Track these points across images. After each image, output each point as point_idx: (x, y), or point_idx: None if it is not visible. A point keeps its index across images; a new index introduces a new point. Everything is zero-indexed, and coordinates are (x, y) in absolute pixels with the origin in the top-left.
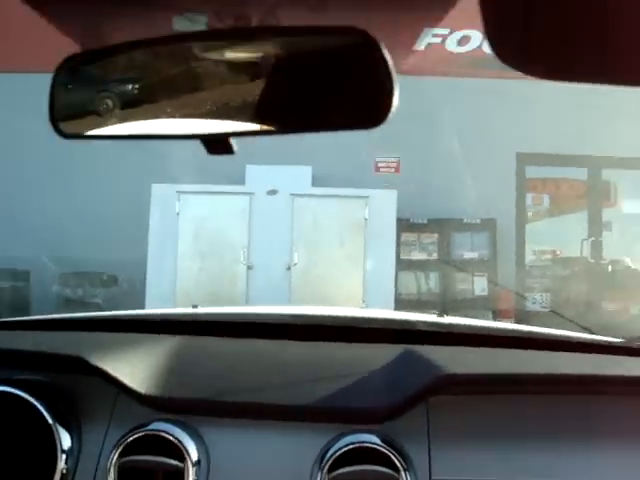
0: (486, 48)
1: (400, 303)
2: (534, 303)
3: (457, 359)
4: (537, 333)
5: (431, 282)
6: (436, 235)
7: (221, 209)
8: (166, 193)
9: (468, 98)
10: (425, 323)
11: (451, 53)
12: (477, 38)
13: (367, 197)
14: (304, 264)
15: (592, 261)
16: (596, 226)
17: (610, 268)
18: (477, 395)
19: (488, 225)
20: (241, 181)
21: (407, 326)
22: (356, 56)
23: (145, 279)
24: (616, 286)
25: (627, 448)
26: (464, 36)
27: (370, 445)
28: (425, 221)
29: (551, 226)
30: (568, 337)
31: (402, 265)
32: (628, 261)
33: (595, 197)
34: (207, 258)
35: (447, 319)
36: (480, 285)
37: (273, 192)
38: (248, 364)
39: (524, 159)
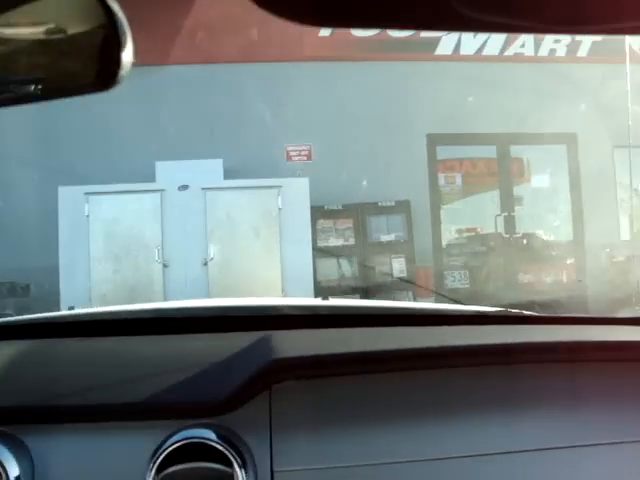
0: (390, 31)
1: (321, 290)
2: (453, 281)
3: (306, 342)
4: (425, 309)
5: (350, 267)
6: (351, 220)
7: (132, 208)
8: (74, 195)
9: (376, 82)
10: (293, 307)
11: (356, 38)
12: None
13: (279, 187)
14: (221, 258)
15: (506, 236)
16: (508, 201)
17: (523, 241)
18: (325, 379)
19: (403, 207)
20: (152, 178)
21: (272, 312)
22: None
23: (59, 285)
24: (530, 258)
25: (491, 419)
26: None
27: (202, 441)
28: (340, 207)
29: (467, 204)
30: (458, 311)
31: (320, 252)
32: (540, 233)
33: (505, 173)
34: (121, 259)
35: (331, 302)
36: (398, 267)
37: (184, 187)
38: (86, 364)
39: (434, 139)
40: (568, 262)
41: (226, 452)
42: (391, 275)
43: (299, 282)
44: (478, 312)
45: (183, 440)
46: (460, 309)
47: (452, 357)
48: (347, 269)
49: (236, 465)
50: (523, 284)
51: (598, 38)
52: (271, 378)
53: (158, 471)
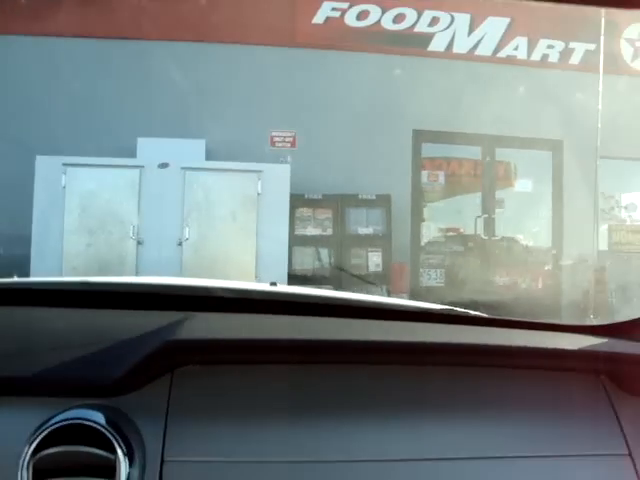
0: (385, 23)
1: (294, 279)
2: (428, 279)
3: (222, 325)
4: (365, 302)
5: (326, 257)
6: (331, 211)
7: (110, 183)
8: (51, 165)
9: (367, 73)
10: (226, 290)
11: (350, 27)
12: (376, 13)
13: (260, 171)
14: (196, 239)
15: (485, 237)
16: (490, 204)
17: (501, 244)
18: (235, 366)
19: (383, 201)
20: (133, 154)
21: (201, 292)
22: None
23: (30, 256)
24: (507, 262)
25: (437, 419)
26: (363, 10)
27: (84, 422)
28: (320, 196)
29: (449, 204)
30: (401, 306)
31: (297, 240)
32: (519, 237)
33: (489, 176)
34: (95, 233)
35: (280, 288)
36: (374, 260)
37: (164, 165)
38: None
39: (420, 136)
40: (544, 268)
41: (110, 437)
42: (366, 268)
43: (273, 268)
44: (422, 309)
45: (65, 421)
46: (404, 304)
47: (374, 352)
48: (323, 259)
49: (120, 452)
50: (497, 287)
51: (591, 47)
52: (173, 361)
53: (35, 452)
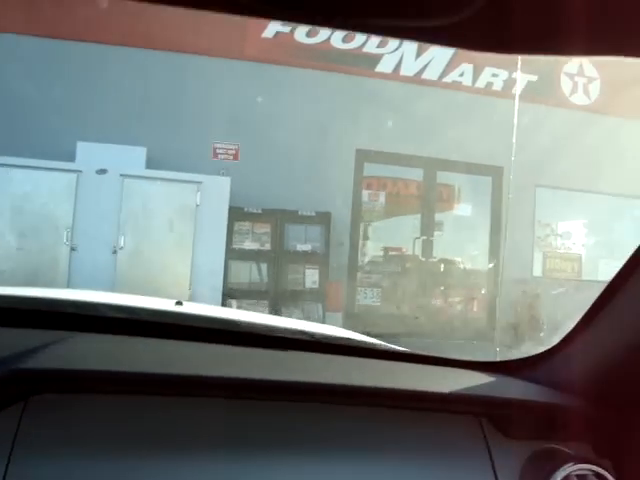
0: (334, 42)
1: (230, 292)
2: (365, 297)
3: (89, 350)
4: (258, 328)
5: (263, 273)
6: (269, 225)
7: (45, 186)
8: None
9: (314, 90)
10: (112, 308)
11: (299, 43)
12: (326, 31)
13: (200, 182)
14: (131, 248)
15: (423, 259)
16: (429, 226)
17: (438, 266)
18: (99, 396)
19: (323, 218)
20: (72, 158)
21: (88, 311)
22: None
23: None
24: (443, 283)
25: (350, 457)
26: (313, 28)
27: None
28: (260, 211)
29: (388, 224)
30: (294, 332)
31: (234, 254)
32: (456, 260)
33: (429, 197)
34: (27, 237)
35: (184, 308)
36: (312, 278)
37: (103, 171)
38: None
39: (363, 156)
40: (480, 292)
41: None
42: (303, 285)
43: (208, 281)
44: (316, 337)
45: None
46: (305, 332)
47: (248, 388)
48: (260, 274)
49: None
50: (432, 308)
51: (533, 78)
52: (26, 388)
53: None
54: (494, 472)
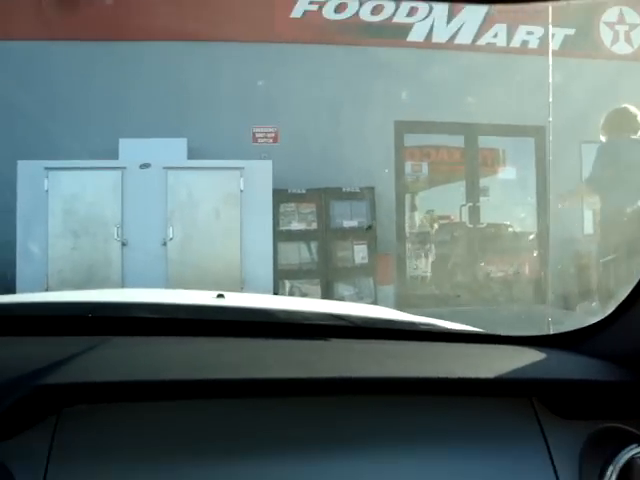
0: (363, 15)
1: (281, 273)
2: (415, 268)
3: (123, 356)
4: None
5: (312, 252)
6: (314, 205)
7: (92, 185)
8: (33, 170)
9: (346, 66)
10: (149, 308)
11: (328, 20)
12: (354, 5)
13: (242, 168)
14: (180, 239)
15: (470, 225)
16: (474, 192)
17: (486, 232)
18: (131, 403)
19: (367, 193)
20: (115, 155)
21: (120, 312)
22: None
23: (15, 262)
24: (492, 249)
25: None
26: (341, 3)
27: None
28: (303, 191)
29: (434, 193)
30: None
31: (282, 236)
32: (504, 224)
33: (472, 164)
34: (80, 236)
35: (226, 300)
36: (360, 253)
37: (146, 166)
38: None
39: (402, 127)
40: (531, 254)
41: None
42: (353, 261)
43: (259, 265)
44: (350, 322)
45: None
46: (334, 315)
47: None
48: (309, 253)
49: None
50: (483, 275)
51: (570, 32)
52: (56, 402)
53: None
54: (550, 456)
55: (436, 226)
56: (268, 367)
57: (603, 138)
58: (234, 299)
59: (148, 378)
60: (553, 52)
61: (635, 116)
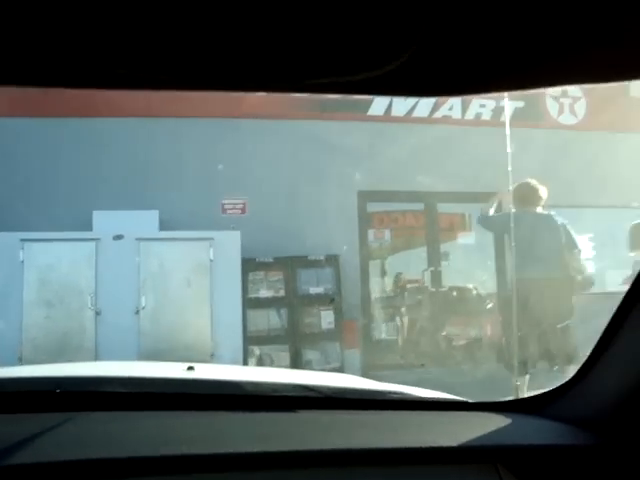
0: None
1: (251, 340)
2: (380, 332)
3: (90, 433)
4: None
5: (280, 318)
6: (282, 273)
7: (67, 256)
8: (9, 241)
9: (310, 139)
10: (120, 382)
11: (293, 96)
12: None
13: (212, 239)
14: (152, 307)
15: (433, 289)
16: (435, 257)
17: (449, 295)
18: None
19: (332, 261)
20: (89, 227)
21: (89, 387)
22: None
23: None
24: (456, 311)
25: None
26: None
27: None
28: (271, 259)
29: (396, 259)
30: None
31: (251, 303)
32: (465, 287)
33: (432, 230)
34: (54, 305)
35: (195, 373)
36: (327, 319)
37: (119, 237)
38: None
39: (365, 196)
40: (494, 315)
41: None
42: (320, 326)
43: (229, 332)
44: (317, 393)
45: None
46: (302, 386)
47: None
48: (277, 320)
49: None
50: (446, 337)
51: (520, 104)
52: None
53: None
54: None
55: (399, 290)
56: (235, 441)
57: (513, 209)
58: (204, 371)
59: (113, 456)
60: (504, 123)
61: (536, 190)
